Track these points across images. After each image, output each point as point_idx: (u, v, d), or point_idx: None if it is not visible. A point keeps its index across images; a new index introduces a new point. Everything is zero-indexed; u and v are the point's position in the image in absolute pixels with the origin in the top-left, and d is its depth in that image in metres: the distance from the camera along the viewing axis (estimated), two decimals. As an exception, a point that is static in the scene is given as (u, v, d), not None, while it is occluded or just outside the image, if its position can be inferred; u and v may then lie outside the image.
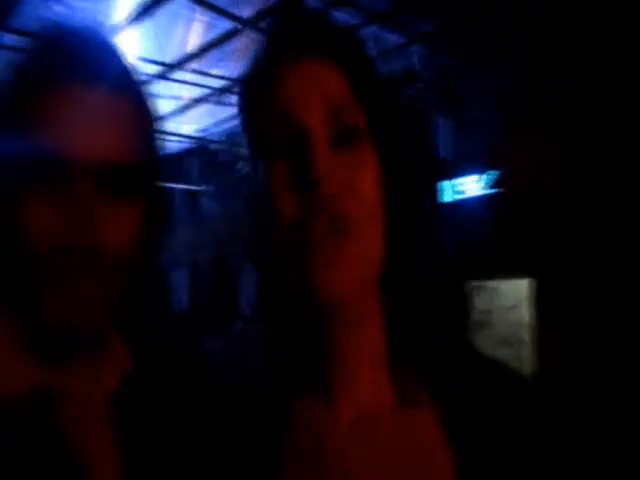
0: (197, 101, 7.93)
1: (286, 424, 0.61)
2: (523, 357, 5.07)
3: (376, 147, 0.57)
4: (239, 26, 5.47)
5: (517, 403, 0.60)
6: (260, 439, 0.61)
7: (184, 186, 11.29)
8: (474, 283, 5.75)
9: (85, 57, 0.61)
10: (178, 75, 7.16)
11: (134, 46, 6.59)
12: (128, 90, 0.66)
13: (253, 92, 0.60)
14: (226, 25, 5.57)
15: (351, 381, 0.60)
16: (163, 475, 0.68)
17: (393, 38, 6.15)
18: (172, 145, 10.43)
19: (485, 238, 5.52)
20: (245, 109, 0.61)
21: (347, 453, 0.58)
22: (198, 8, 5.30)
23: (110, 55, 0.66)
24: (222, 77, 7.12)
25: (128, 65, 0.68)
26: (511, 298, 5.53)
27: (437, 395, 0.59)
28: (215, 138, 9.86)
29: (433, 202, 5.66)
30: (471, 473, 0.55)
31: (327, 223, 0.54)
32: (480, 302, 5.64)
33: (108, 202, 0.59)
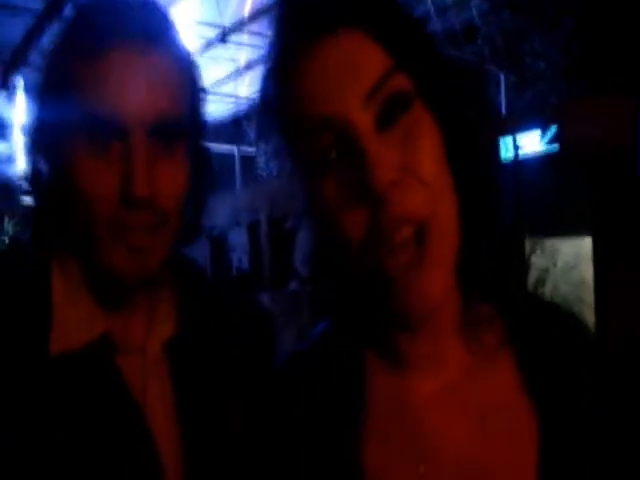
0: (255, 63, 7.95)
1: (359, 389, 0.58)
2: (584, 317, 4.98)
3: (431, 109, 0.50)
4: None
5: (591, 352, 0.58)
6: (332, 403, 0.58)
7: (242, 147, 11.41)
8: (533, 241, 5.65)
9: (135, 20, 0.63)
10: (236, 38, 7.18)
11: (193, 10, 6.64)
12: (175, 52, 0.67)
13: (279, 93, 0.53)
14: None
15: (425, 350, 0.56)
16: (217, 422, 0.70)
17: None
18: (230, 107, 10.52)
19: (545, 195, 5.38)
20: (273, 115, 0.55)
21: (427, 420, 0.56)
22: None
23: (158, 19, 0.66)
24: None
25: (175, 29, 0.68)
26: (571, 257, 5.41)
27: (516, 346, 0.56)
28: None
29: (497, 161, 5.55)
30: (552, 424, 0.53)
31: (405, 234, 0.49)
32: (539, 260, 5.55)
33: (159, 157, 0.63)
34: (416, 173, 0.49)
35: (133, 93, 0.61)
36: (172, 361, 0.70)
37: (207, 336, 0.74)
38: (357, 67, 0.48)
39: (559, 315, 0.61)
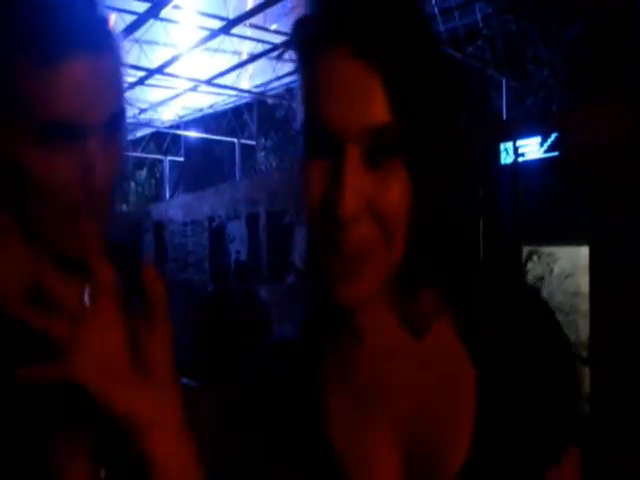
0: (257, 56, 7.93)
1: (322, 365, 0.66)
2: (578, 326, 4.99)
3: (409, 162, 0.54)
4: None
5: (542, 331, 0.62)
6: (301, 379, 0.67)
7: (242, 140, 11.40)
8: (531, 248, 5.65)
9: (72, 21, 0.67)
10: (239, 30, 7.17)
11: (197, 1, 6.62)
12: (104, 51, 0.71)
13: (305, 69, 0.58)
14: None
15: (375, 319, 0.63)
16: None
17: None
18: (231, 99, 10.50)
19: (544, 202, 5.38)
20: (299, 72, 0.59)
21: (377, 371, 0.63)
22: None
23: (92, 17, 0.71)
24: (282, 33, 7.08)
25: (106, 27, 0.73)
26: (568, 265, 5.41)
27: (461, 312, 0.63)
28: (274, 93, 9.87)
29: (491, 161, 5.54)
30: (490, 391, 0.59)
31: (351, 251, 0.55)
32: (535, 268, 5.55)
33: (103, 151, 0.70)
34: (379, 215, 0.54)
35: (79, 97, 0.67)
36: None
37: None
38: (366, 104, 0.52)
39: (510, 284, 0.66)
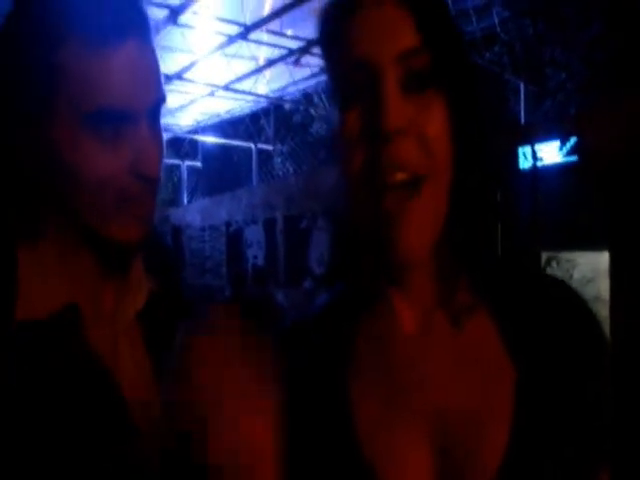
0: (274, 61, 7.97)
1: (353, 345, 0.64)
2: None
3: (445, 95, 0.57)
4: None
5: (578, 324, 0.61)
6: (326, 361, 0.64)
7: (259, 145, 11.45)
8: (550, 254, 5.60)
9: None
10: (256, 36, 7.20)
11: (215, 6, 6.67)
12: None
13: (328, 36, 0.61)
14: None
15: (412, 300, 0.62)
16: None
17: (474, -2, 5.94)
18: (248, 104, 10.55)
19: (564, 207, 5.33)
20: (324, 53, 0.62)
21: (412, 364, 0.61)
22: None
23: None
24: (298, 38, 7.10)
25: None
26: (588, 271, 5.35)
27: (498, 308, 0.61)
28: (291, 98, 9.91)
29: (510, 165, 5.50)
30: (529, 388, 0.57)
31: (399, 178, 0.55)
32: (554, 273, 5.50)
33: (152, 136, 0.70)
34: (422, 137, 0.55)
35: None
36: (145, 329, 0.76)
37: (175, 305, 0.80)
38: (395, 33, 0.56)
39: (547, 282, 0.65)
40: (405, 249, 0.56)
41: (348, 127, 0.57)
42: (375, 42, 0.55)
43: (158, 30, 6.93)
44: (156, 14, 6.69)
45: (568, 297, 0.63)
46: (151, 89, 0.70)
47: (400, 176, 0.55)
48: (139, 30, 0.68)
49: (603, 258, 5.01)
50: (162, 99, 0.72)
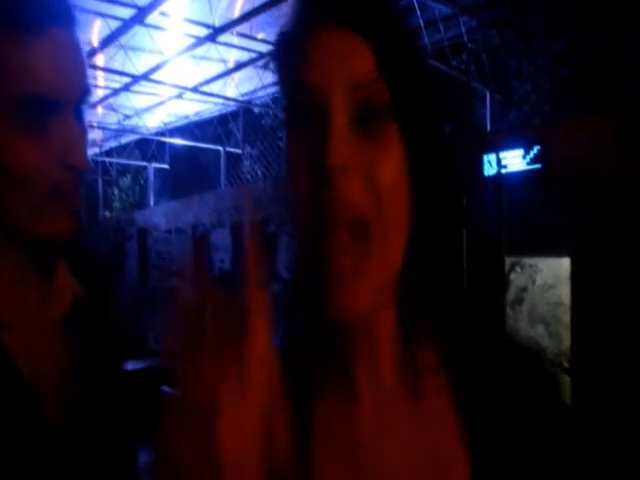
0: (243, 65, 7.94)
1: (310, 395, 0.59)
2: (560, 337, 5.03)
3: (402, 130, 0.52)
4: (289, -11, 5.42)
5: (543, 401, 0.58)
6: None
7: (228, 148, 11.38)
8: (514, 259, 5.69)
9: None
10: (225, 38, 7.17)
11: (183, 7, 6.62)
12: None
13: (282, 57, 0.57)
14: (275, -12, 5.53)
15: (371, 367, 0.58)
16: (118, 391, 0.76)
17: (441, 8, 6.01)
18: (217, 107, 10.49)
19: (526, 214, 5.43)
20: (277, 71, 0.59)
21: (371, 437, 0.57)
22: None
23: None
24: (269, 42, 7.09)
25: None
26: (550, 277, 5.46)
27: (458, 383, 0.58)
28: (260, 102, 9.88)
29: (475, 172, 5.59)
30: (485, 469, 0.54)
31: (345, 230, 0.50)
32: (518, 279, 5.59)
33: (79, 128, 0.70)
34: (371, 177, 0.50)
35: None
36: (69, 335, 0.75)
37: (98, 312, 0.80)
38: (349, 59, 0.51)
39: (521, 362, 0.61)
40: (350, 313, 0.51)
41: (294, 151, 0.54)
42: (327, 67, 0.51)
43: (125, 29, 6.85)
44: (122, 13, 6.61)
45: (530, 362, 0.60)
46: (76, 80, 0.70)
47: (344, 234, 0.50)
48: (64, 21, 0.68)
49: (564, 264, 5.12)
50: (87, 92, 0.72)
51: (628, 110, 4.58)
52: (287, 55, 0.56)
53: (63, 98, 0.67)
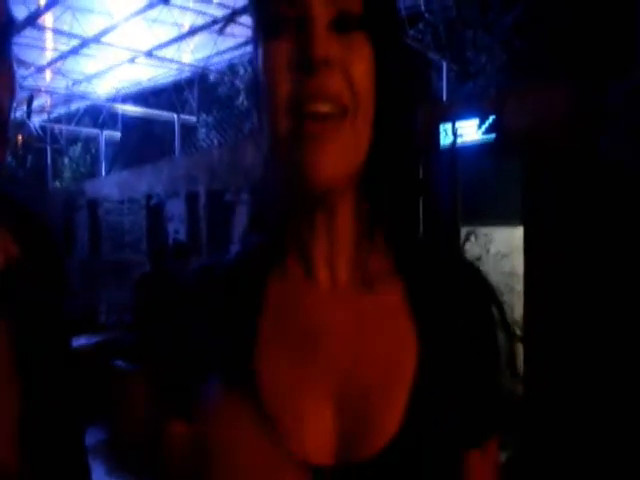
0: (198, 29, 7.72)
1: (264, 295, 0.64)
2: (513, 305, 5.16)
3: (372, 39, 0.58)
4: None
5: (484, 307, 0.64)
6: (234, 308, 0.64)
7: (183, 116, 11.14)
8: (469, 228, 5.79)
9: None
10: (180, 1, 6.95)
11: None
12: None
13: None
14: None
15: (329, 245, 0.62)
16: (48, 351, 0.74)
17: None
18: (172, 73, 10.22)
19: (481, 184, 5.51)
20: None
21: (321, 322, 0.61)
22: None
23: None
24: (224, 6, 6.91)
25: None
26: (503, 246, 5.58)
27: (410, 279, 0.63)
28: (216, 69, 9.66)
29: (431, 140, 5.62)
30: (430, 358, 0.60)
31: (322, 109, 0.55)
32: (472, 248, 5.70)
33: None
34: (347, 74, 0.56)
35: None
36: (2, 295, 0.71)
37: (38, 280, 0.76)
38: None
39: (458, 262, 0.67)
40: (320, 175, 0.56)
41: (273, 57, 0.57)
42: None
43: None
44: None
45: (474, 280, 0.65)
46: None
47: (323, 107, 0.55)
48: None
49: (517, 234, 5.24)
50: (7, 23, 0.66)
51: (579, 80, 4.66)
52: None
53: None
